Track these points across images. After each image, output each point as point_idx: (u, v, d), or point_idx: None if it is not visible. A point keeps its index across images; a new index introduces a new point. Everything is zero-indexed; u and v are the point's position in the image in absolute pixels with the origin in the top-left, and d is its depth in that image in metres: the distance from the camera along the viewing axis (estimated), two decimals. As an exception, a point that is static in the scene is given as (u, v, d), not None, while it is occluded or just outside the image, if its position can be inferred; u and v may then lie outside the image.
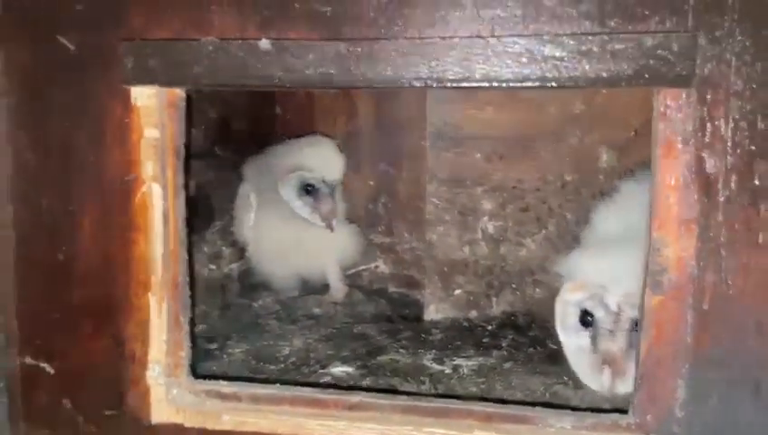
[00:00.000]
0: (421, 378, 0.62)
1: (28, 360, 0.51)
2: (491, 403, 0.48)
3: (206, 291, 0.83)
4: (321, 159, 0.82)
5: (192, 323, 0.51)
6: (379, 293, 0.95)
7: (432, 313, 0.79)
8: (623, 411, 0.45)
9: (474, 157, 0.77)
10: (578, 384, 0.60)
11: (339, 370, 0.65)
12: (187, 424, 0.49)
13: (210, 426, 0.49)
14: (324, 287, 0.91)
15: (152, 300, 0.49)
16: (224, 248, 0.86)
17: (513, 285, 0.78)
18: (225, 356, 0.70)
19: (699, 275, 0.42)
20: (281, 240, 0.86)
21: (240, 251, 0.89)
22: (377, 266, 1.00)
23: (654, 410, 0.44)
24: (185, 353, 0.50)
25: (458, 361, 0.67)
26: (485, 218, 0.77)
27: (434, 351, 0.69)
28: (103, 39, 0.47)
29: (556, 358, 0.67)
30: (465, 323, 0.78)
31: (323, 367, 0.66)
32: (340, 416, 0.48)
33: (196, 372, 0.52)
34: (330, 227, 0.81)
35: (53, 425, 0.52)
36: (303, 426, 0.47)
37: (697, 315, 0.43)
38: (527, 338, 0.73)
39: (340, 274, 0.92)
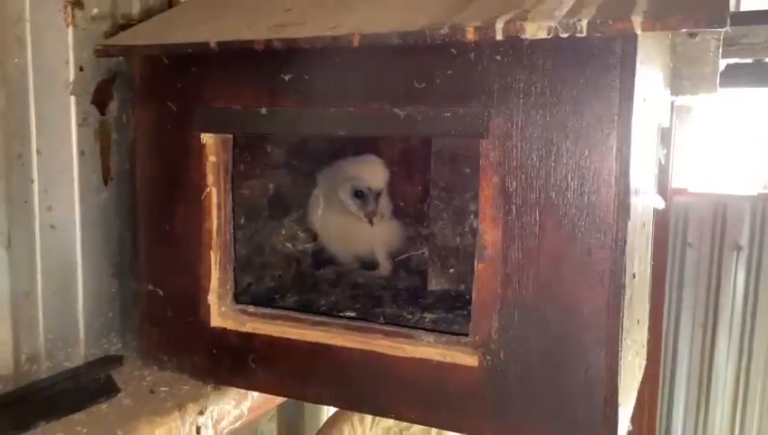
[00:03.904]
0: (390, 321, 0.92)
1: (150, 287, 0.88)
2: (393, 326, 0.78)
3: (285, 262, 1.19)
4: (368, 172, 1.13)
5: (234, 270, 0.86)
6: (421, 272, 1.25)
7: (433, 285, 1.09)
8: (466, 334, 0.73)
9: (464, 171, 1.05)
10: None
11: (345, 314, 0.97)
12: (229, 328, 0.84)
13: (241, 329, 0.83)
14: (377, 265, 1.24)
15: (212, 255, 0.84)
16: (299, 232, 1.21)
17: (491, 267, 1.05)
18: (281, 303, 1.04)
19: (504, 251, 0.69)
20: (341, 230, 1.19)
21: (314, 235, 1.24)
22: (423, 253, 1.30)
23: (480, 333, 0.71)
24: (230, 287, 0.85)
25: (426, 314, 0.95)
26: (471, 217, 1.05)
27: (416, 307, 0.99)
28: (189, 105, 0.82)
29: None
30: (453, 293, 1.06)
31: (337, 312, 0.99)
32: (307, 328, 0.80)
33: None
34: (370, 223, 1.11)
35: (160, 326, 0.88)
36: (287, 332, 0.80)
37: (503, 275, 0.69)
38: (490, 304, 1.00)
39: (388, 256, 1.24)
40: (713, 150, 3.74)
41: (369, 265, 1.24)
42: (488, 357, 0.71)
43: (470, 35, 0.63)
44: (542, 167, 0.67)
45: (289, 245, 1.19)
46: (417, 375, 0.74)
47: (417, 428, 1.41)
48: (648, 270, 0.92)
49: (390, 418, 0.78)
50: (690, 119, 3.65)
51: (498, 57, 0.67)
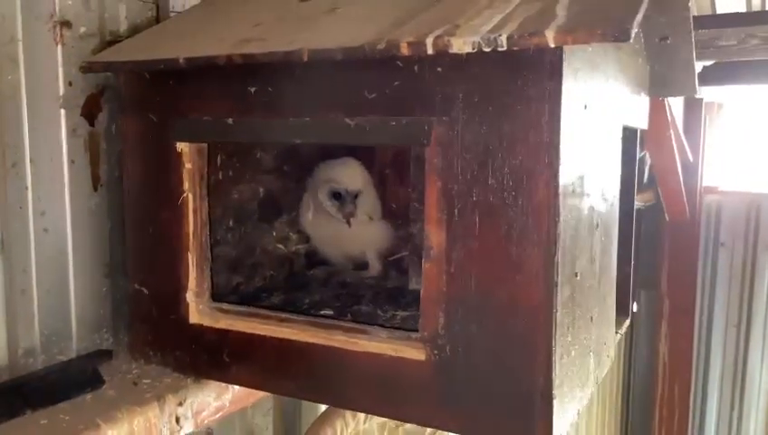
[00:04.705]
0: (362, 319, 0.97)
1: (136, 286, 0.94)
2: (352, 322, 0.82)
3: (277, 263, 1.24)
4: (345, 174, 1.17)
5: (210, 270, 0.92)
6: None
7: (413, 284, 1.13)
8: (416, 330, 0.77)
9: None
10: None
11: (323, 312, 1.02)
12: (205, 325, 0.89)
13: (215, 326, 0.89)
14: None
15: (190, 256, 0.90)
16: (290, 234, 1.27)
17: (467, 267, 1.08)
18: (266, 301, 1.10)
19: (448, 252, 0.73)
20: (331, 232, 1.24)
21: (306, 237, 1.29)
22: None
23: (428, 329, 0.75)
24: (206, 285, 0.90)
25: (399, 312, 0.99)
26: (448, 219, 1.09)
27: (391, 306, 1.03)
28: (167, 116, 0.88)
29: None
30: (431, 292, 1.10)
31: (318, 310, 1.03)
32: (275, 324, 0.85)
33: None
34: (348, 223, 1.15)
35: (147, 323, 0.94)
36: (257, 328, 0.85)
37: (447, 274, 0.73)
38: (464, 303, 1.03)
39: (378, 256, 1.28)
40: (745, 148, 3.68)
41: (362, 265, 1.29)
42: (435, 352, 0.75)
43: (404, 50, 0.67)
44: (480, 172, 0.71)
45: (281, 246, 1.24)
46: (372, 369, 0.78)
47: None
48: (613, 270, 0.94)
49: (350, 409, 0.82)
50: (721, 116, 3.60)
51: (439, 69, 0.71)
